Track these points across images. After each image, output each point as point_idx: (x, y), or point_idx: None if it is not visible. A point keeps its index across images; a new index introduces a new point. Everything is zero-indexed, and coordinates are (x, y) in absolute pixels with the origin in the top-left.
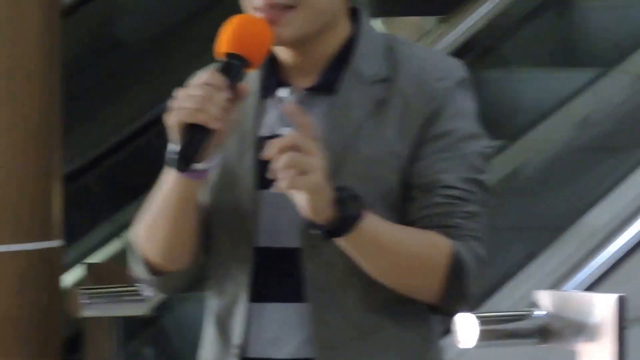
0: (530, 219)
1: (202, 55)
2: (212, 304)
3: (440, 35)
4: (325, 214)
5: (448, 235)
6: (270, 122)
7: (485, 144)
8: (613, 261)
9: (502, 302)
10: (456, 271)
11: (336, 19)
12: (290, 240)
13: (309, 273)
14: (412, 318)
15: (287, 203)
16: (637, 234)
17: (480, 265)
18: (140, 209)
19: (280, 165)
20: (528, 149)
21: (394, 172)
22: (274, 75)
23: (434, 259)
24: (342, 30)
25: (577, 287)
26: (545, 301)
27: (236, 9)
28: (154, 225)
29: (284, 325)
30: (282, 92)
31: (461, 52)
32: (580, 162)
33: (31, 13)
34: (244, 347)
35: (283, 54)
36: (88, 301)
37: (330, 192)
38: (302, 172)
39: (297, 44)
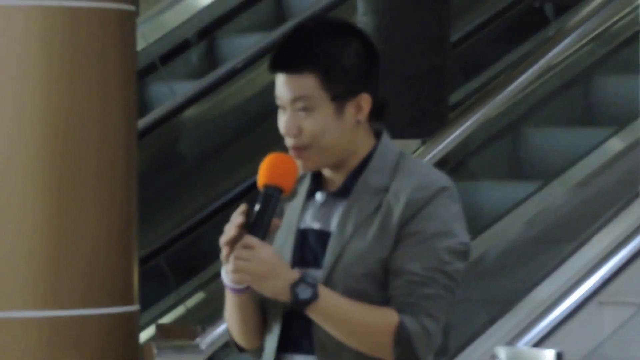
0: (492, 293)
1: (245, 166)
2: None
3: (421, 153)
4: (283, 296)
5: (403, 311)
6: (307, 217)
7: (457, 241)
8: (554, 325)
9: (471, 356)
10: (400, 338)
11: (352, 146)
12: None
13: (317, 334)
14: None
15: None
16: (571, 305)
17: (428, 337)
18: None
19: (233, 259)
20: (490, 241)
21: (376, 261)
22: (317, 182)
23: (380, 328)
24: (363, 149)
25: (527, 344)
26: (503, 355)
27: (272, 132)
28: (230, 321)
29: None
30: (318, 196)
31: (438, 165)
32: (527, 251)
33: (116, 135)
34: None
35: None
36: (158, 352)
37: (282, 281)
38: (244, 267)
39: (321, 168)
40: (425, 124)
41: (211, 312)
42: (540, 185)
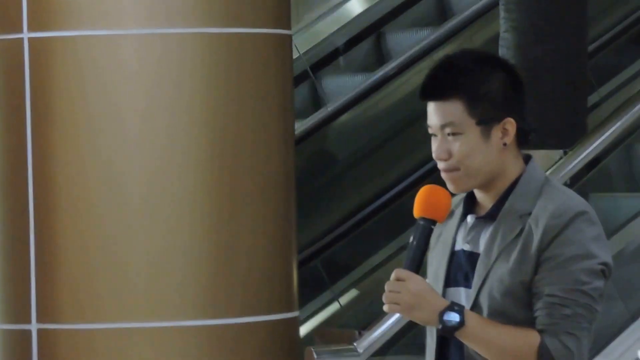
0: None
1: (393, 168)
2: None
3: (563, 163)
4: (433, 323)
5: (545, 332)
6: (460, 239)
7: (595, 262)
8: None
9: (612, 353)
10: (543, 357)
11: (500, 169)
12: None
13: (468, 352)
14: None
15: (459, 297)
16: None
17: (569, 354)
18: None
19: (386, 291)
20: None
21: (516, 284)
22: (469, 205)
23: (524, 348)
24: (512, 173)
25: None
26: None
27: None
28: None
29: None
30: (468, 218)
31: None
32: None
33: (274, 141)
34: None
35: (475, 192)
36: (318, 357)
37: (430, 310)
38: (394, 298)
39: (469, 189)
40: (565, 134)
41: (365, 308)
42: None
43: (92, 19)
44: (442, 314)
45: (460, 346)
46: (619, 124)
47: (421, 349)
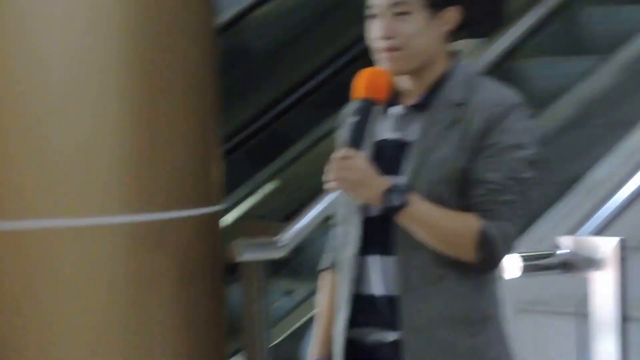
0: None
1: (309, 62)
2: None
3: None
4: (375, 202)
5: (484, 217)
6: (384, 130)
7: (530, 152)
8: (615, 213)
9: (528, 242)
10: (483, 241)
11: (434, 59)
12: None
13: (399, 235)
14: (468, 272)
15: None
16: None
17: (507, 239)
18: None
19: (331, 169)
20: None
21: (457, 170)
22: (393, 97)
23: (464, 232)
24: (440, 67)
25: (587, 232)
26: (565, 243)
27: (336, 27)
28: None
29: (381, 272)
30: (396, 108)
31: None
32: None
33: (198, 33)
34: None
35: (399, 81)
36: (241, 250)
37: (375, 188)
38: (342, 175)
39: (404, 74)
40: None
41: (286, 197)
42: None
43: None
44: (385, 193)
45: (387, 231)
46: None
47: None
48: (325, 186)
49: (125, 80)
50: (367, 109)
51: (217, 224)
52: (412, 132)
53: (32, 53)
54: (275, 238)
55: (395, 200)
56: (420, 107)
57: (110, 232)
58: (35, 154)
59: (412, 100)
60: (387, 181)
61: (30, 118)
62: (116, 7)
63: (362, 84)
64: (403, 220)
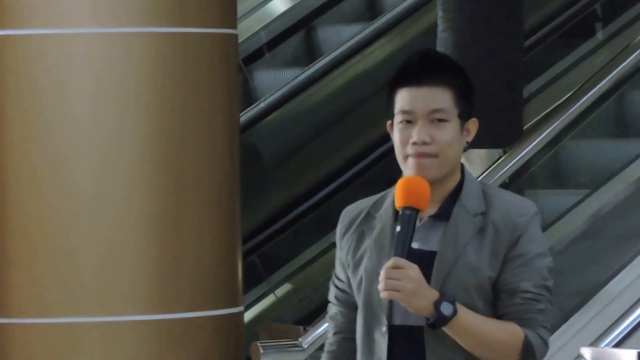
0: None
1: (324, 164)
2: None
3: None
4: (426, 312)
5: (524, 325)
6: None
7: (550, 259)
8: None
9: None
10: (526, 351)
11: (456, 168)
12: (418, 320)
13: (430, 345)
14: None
15: None
16: None
17: (545, 347)
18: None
19: (382, 277)
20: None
21: (488, 278)
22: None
23: (510, 340)
24: (457, 177)
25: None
26: (587, 355)
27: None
28: None
29: None
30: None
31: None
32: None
33: (219, 138)
34: None
35: None
36: (264, 352)
37: (427, 298)
38: (395, 285)
39: (432, 182)
40: (502, 134)
41: (300, 300)
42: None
43: (43, 18)
44: (437, 303)
45: (420, 344)
46: (556, 124)
47: None
48: (382, 295)
49: (149, 182)
50: (409, 218)
51: (239, 325)
52: (433, 242)
53: (60, 163)
54: (297, 340)
55: (446, 310)
56: (441, 217)
57: (133, 330)
58: (62, 258)
59: (431, 210)
60: (436, 292)
61: (57, 223)
62: (140, 125)
63: (404, 192)
64: (450, 330)
